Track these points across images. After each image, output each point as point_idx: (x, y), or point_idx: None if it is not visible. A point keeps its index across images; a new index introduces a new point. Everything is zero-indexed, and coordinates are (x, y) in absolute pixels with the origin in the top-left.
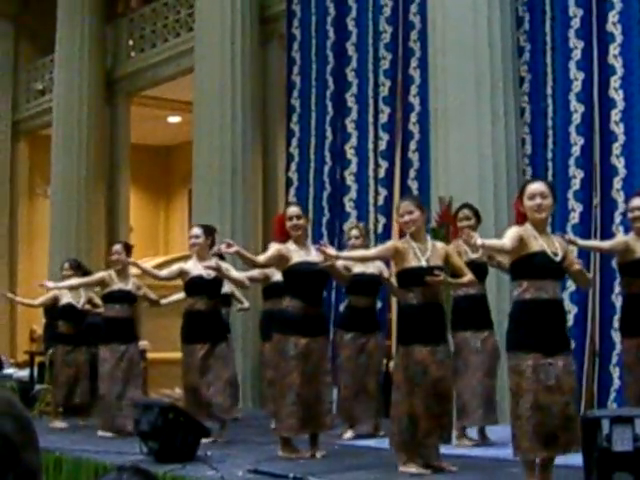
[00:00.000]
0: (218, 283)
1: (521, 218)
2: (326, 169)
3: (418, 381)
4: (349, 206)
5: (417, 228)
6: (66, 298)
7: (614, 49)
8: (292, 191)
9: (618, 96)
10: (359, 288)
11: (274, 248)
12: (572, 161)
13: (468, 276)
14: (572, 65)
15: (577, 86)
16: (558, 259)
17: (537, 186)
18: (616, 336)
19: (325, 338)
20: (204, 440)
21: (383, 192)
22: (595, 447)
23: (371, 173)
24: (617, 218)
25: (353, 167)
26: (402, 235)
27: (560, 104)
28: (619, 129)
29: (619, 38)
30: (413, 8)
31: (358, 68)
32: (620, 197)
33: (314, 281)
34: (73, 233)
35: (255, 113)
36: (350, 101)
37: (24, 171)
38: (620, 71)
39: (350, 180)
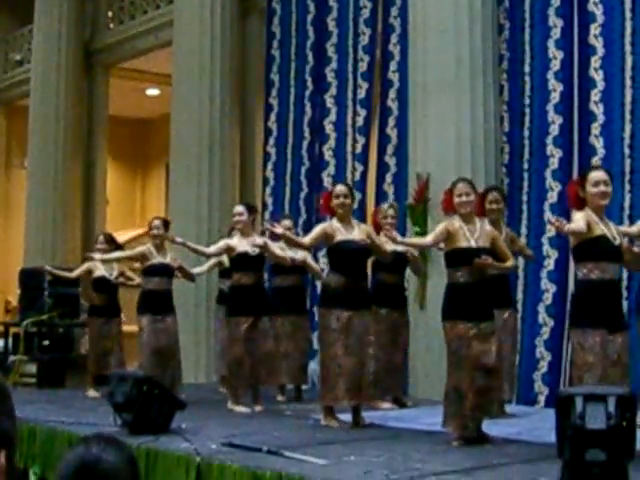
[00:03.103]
0: (262, 259)
1: (578, 203)
2: (304, 144)
3: (462, 355)
4: (327, 181)
5: (472, 209)
6: (99, 271)
7: (595, 29)
8: (270, 165)
9: (598, 76)
10: (388, 265)
11: (319, 227)
12: (550, 140)
13: (511, 261)
14: (551, 44)
15: (556, 65)
16: (617, 242)
17: (601, 174)
18: None
19: (368, 311)
20: (242, 409)
21: (360, 168)
22: (568, 424)
23: (349, 148)
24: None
25: (332, 142)
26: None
27: (538, 83)
28: (598, 109)
29: (600, 18)
30: None
31: (338, 43)
32: None
33: (356, 258)
34: (49, 205)
35: (234, 87)
36: (329, 76)
37: (1, 142)
38: (601, 51)
39: (328, 155)
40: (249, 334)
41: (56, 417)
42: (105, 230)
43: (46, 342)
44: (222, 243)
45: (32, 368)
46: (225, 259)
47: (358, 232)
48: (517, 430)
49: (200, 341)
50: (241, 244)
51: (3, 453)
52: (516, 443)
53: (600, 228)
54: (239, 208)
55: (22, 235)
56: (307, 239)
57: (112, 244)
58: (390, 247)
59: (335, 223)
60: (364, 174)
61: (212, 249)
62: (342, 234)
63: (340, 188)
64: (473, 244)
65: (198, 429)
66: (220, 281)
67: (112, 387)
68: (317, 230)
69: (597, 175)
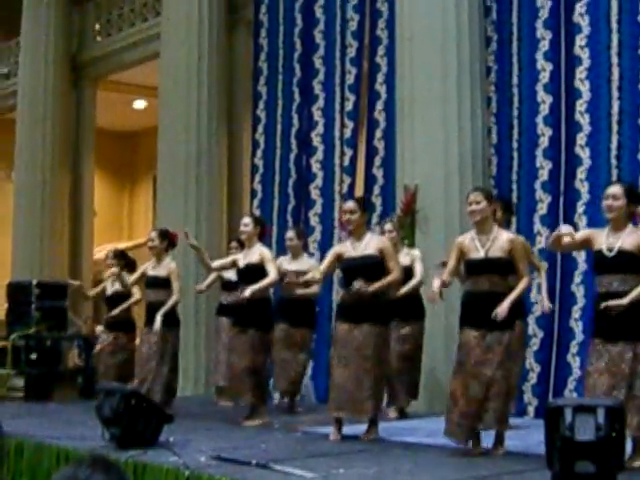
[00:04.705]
0: (252, 271)
1: None
2: (292, 156)
3: (462, 361)
4: (315, 194)
5: (482, 218)
6: (112, 287)
7: (581, 40)
8: (257, 178)
9: (584, 87)
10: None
11: (331, 251)
12: (539, 152)
13: (524, 281)
14: (539, 56)
15: (545, 77)
16: (611, 254)
17: (610, 189)
18: (575, 326)
19: (371, 325)
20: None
21: (347, 180)
22: (558, 436)
23: (337, 161)
24: (580, 208)
25: (319, 155)
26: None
27: (526, 94)
28: (584, 120)
29: (586, 30)
30: None
31: (325, 55)
32: (584, 187)
33: (355, 273)
34: (37, 217)
35: (221, 99)
36: (317, 88)
37: None
38: (587, 62)
39: (316, 168)
40: (231, 345)
41: (44, 431)
42: (92, 242)
43: (34, 356)
44: (229, 259)
45: (20, 382)
46: (227, 274)
47: (365, 247)
48: (506, 442)
49: (188, 353)
50: (244, 257)
51: None
52: (505, 455)
53: (601, 242)
54: (246, 219)
55: (9, 248)
56: (318, 273)
57: (122, 259)
58: (405, 262)
59: (348, 241)
60: (352, 186)
61: (216, 263)
62: (349, 251)
63: (346, 205)
64: (481, 255)
65: (186, 442)
66: (221, 293)
67: (100, 401)
68: (329, 256)
69: (607, 189)
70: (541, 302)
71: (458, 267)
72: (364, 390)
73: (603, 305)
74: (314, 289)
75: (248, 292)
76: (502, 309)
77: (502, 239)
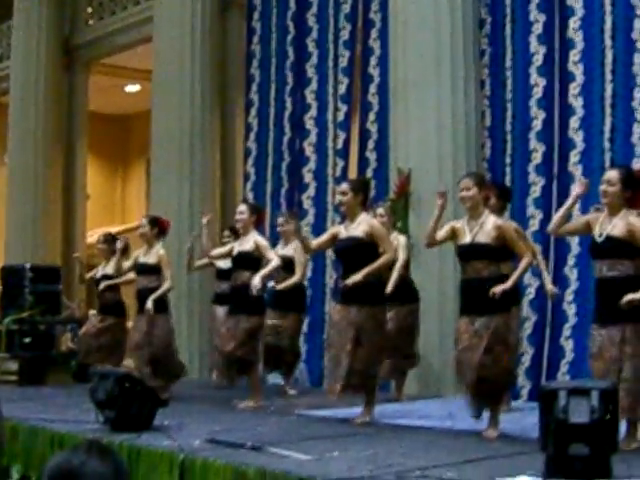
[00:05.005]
0: (244, 259)
1: None
2: (285, 139)
3: (456, 348)
4: (308, 177)
5: (473, 204)
6: (103, 270)
7: (574, 23)
8: (250, 161)
9: (577, 70)
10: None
11: (328, 231)
12: (533, 134)
13: (525, 258)
14: (533, 39)
15: (538, 60)
16: (599, 240)
17: (606, 174)
18: (569, 309)
19: (360, 307)
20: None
21: (340, 163)
22: (552, 418)
23: (330, 144)
24: (573, 192)
25: (312, 138)
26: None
27: (520, 77)
28: (577, 103)
29: (580, 12)
30: None
31: (318, 38)
32: (577, 170)
33: (343, 255)
34: (30, 201)
35: (214, 83)
36: (310, 72)
37: None
38: (580, 45)
39: (309, 151)
40: (220, 329)
41: (37, 415)
42: (85, 225)
43: (27, 339)
44: (227, 248)
45: (13, 366)
46: (221, 262)
47: (354, 229)
48: (500, 424)
49: (181, 340)
50: (239, 245)
51: None
52: (499, 437)
53: (597, 227)
54: (241, 207)
55: (2, 232)
56: (314, 243)
57: (113, 243)
58: (396, 244)
59: (345, 222)
60: (345, 169)
61: (214, 252)
62: (342, 233)
63: (339, 187)
64: (467, 240)
65: (181, 426)
66: (215, 282)
67: (94, 384)
68: (326, 234)
69: (604, 175)
70: (548, 290)
71: (445, 238)
72: (340, 370)
73: (624, 301)
74: (295, 278)
75: (257, 282)
76: (499, 287)
77: (489, 225)
